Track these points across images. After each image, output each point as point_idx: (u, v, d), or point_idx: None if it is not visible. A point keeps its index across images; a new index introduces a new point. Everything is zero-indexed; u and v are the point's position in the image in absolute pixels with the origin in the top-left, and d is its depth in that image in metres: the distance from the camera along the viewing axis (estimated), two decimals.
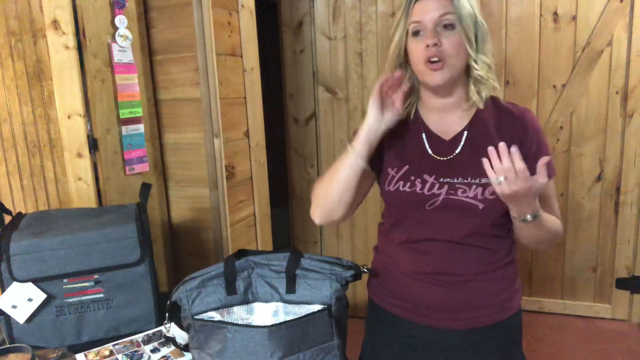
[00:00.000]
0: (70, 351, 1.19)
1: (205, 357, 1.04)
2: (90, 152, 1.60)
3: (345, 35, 2.53)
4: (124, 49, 1.63)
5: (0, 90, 1.68)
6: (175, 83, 1.75)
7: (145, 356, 1.15)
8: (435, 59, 0.99)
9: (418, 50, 1.01)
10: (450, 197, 1.00)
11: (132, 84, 1.66)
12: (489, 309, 1.05)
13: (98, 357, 1.16)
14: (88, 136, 1.59)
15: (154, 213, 1.77)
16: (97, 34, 1.56)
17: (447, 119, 1.08)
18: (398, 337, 1.12)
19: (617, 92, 2.34)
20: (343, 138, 2.63)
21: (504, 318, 1.07)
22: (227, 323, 1.01)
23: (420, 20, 1.00)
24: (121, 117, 1.64)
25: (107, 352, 1.17)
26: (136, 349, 1.19)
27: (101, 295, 1.24)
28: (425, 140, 1.08)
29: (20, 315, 1.17)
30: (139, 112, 1.69)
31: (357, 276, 1.07)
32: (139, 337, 1.24)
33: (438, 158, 1.05)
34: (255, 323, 1.02)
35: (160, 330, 1.25)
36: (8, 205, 1.66)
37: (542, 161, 0.89)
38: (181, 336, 1.13)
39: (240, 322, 1.02)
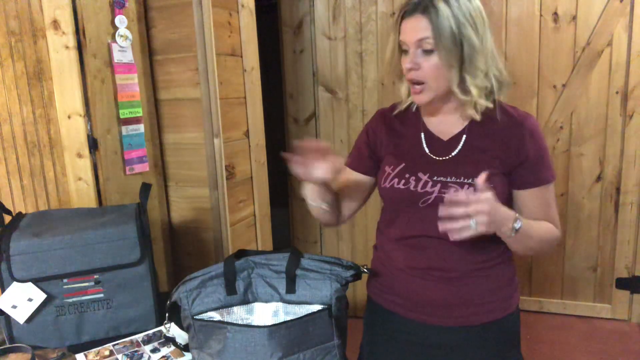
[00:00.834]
0: (70, 351, 1.19)
1: (205, 357, 1.04)
2: (90, 152, 1.60)
3: (345, 35, 2.53)
4: (124, 49, 1.63)
5: (0, 90, 1.68)
6: (175, 83, 1.75)
7: (145, 356, 1.15)
8: (415, 82, 1.01)
9: (403, 68, 1.03)
10: (443, 195, 1.00)
11: (132, 84, 1.66)
12: (483, 307, 1.06)
13: (98, 357, 1.16)
14: (88, 136, 1.59)
15: (154, 213, 1.77)
16: (97, 34, 1.56)
17: (447, 120, 1.08)
18: (394, 333, 1.13)
19: (617, 92, 2.34)
20: (343, 138, 2.63)
21: (499, 317, 1.07)
22: (226, 323, 1.01)
23: (404, 40, 1.01)
24: (121, 117, 1.64)
25: (107, 352, 1.17)
26: (136, 349, 1.19)
27: (101, 295, 1.24)
28: (423, 139, 1.09)
29: (20, 315, 1.17)
30: (139, 112, 1.69)
31: (357, 276, 1.08)
32: (139, 337, 1.24)
33: (435, 158, 1.06)
34: (255, 323, 1.02)
35: (160, 330, 1.25)
36: (8, 205, 1.65)
37: (480, 179, 0.89)
38: (181, 336, 1.13)
39: (240, 322, 1.02)
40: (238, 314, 1.03)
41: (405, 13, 1.00)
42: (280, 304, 1.04)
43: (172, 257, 1.88)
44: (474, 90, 1.00)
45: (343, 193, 1.19)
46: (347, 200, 1.20)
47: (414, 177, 1.05)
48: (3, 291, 1.18)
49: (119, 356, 1.16)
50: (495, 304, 1.07)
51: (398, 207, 1.09)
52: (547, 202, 1.06)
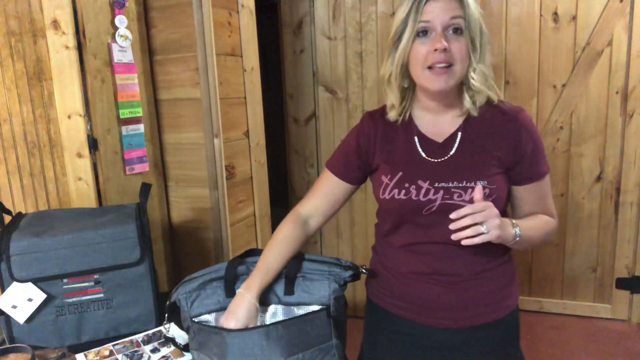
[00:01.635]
0: (70, 351, 1.19)
1: (204, 358, 1.04)
2: (90, 152, 1.60)
3: (345, 35, 2.53)
4: (124, 49, 1.63)
5: (0, 90, 1.68)
6: (175, 83, 1.75)
7: (145, 356, 1.15)
8: (442, 65, 0.96)
9: (422, 53, 0.97)
10: (447, 201, 0.99)
11: (132, 84, 1.66)
12: (487, 308, 1.06)
13: (98, 357, 1.16)
14: (88, 136, 1.59)
15: (154, 213, 1.77)
16: (97, 34, 1.56)
17: (440, 120, 1.07)
18: (397, 336, 1.12)
19: (617, 92, 2.34)
20: (343, 138, 2.62)
21: (502, 316, 1.07)
22: (222, 329, 1.00)
23: (430, 20, 0.96)
24: (121, 117, 1.64)
25: (107, 352, 1.17)
26: (136, 349, 1.19)
27: (101, 295, 1.24)
28: (417, 143, 1.06)
29: (20, 315, 1.17)
30: (139, 112, 1.69)
31: (355, 276, 1.08)
32: (139, 337, 1.24)
33: (431, 160, 1.04)
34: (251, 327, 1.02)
35: (160, 331, 1.25)
36: (8, 205, 1.66)
37: (477, 194, 0.92)
38: (181, 336, 1.13)
39: None
40: None
41: None
42: (279, 307, 1.04)
43: (172, 257, 1.88)
44: (481, 78, 1.00)
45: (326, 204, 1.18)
46: (329, 206, 1.17)
47: (414, 186, 1.02)
48: (3, 291, 1.18)
49: (119, 356, 1.16)
50: (498, 304, 1.07)
51: (400, 217, 1.06)
52: (544, 194, 1.07)
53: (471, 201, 0.97)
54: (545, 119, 2.45)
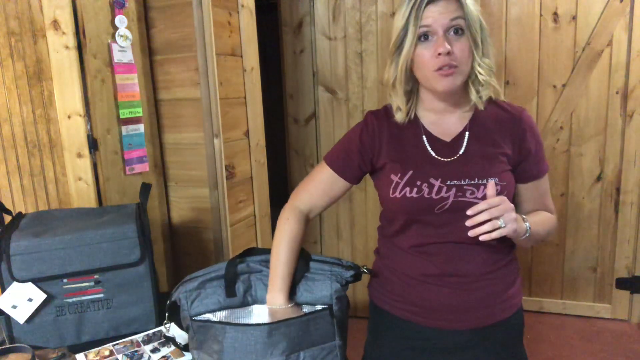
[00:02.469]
0: (70, 351, 1.19)
1: (205, 357, 1.04)
2: (90, 152, 1.60)
3: (345, 35, 2.53)
4: (124, 49, 1.63)
5: (0, 90, 1.68)
6: (175, 83, 1.75)
7: (145, 356, 1.15)
8: (447, 67, 0.96)
9: (426, 57, 0.98)
10: (459, 199, 0.99)
11: (132, 84, 1.66)
12: (495, 308, 1.06)
13: (98, 357, 1.16)
14: (88, 136, 1.59)
15: (154, 213, 1.77)
16: (97, 34, 1.56)
17: (446, 120, 1.07)
18: (406, 340, 1.11)
19: (617, 92, 2.34)
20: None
21: (508, 315, 1.07)
22: (225, 323, 1.00)
23: (430, 24, 0.96)
24: (121, 117, 1.63)
25: (107, 352, 1.17)
26: (136, 349, 1.19)
27: (101, 295, 1.24)
28: (426, 142, 1.06)
29: (20, 315, 1.17)
30: (139, 112, 1.69)
31: (357, 277, 1.07)
32: (139, 337, 1.24)
33: (442, 160, 1.04)
34: (254, 323, 1.02)
35: (160, 330, 1.25)
36: (8, 205, 1.65)
37: (489, 190, 0.92)
38: (181, 336, 1.13)
39: (239, 322, 1.02)
40: (237, 316, 1.03)
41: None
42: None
43: (172, 257, 1.87)
44: (488, 72, 1.01)
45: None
46: (323, 201, 1.17)
47: (426, 184, 1.01)
48: (3, 291, 1.18)
49: (119, 356, 1.16)
50: (505, 304, 1.07)
51: (411, 216, 1.05)
52: (544, 191, 1.10)
53: (484, 198, 0.97)
54: (545, 119, 2.45)
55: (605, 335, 2.40)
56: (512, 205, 0.93)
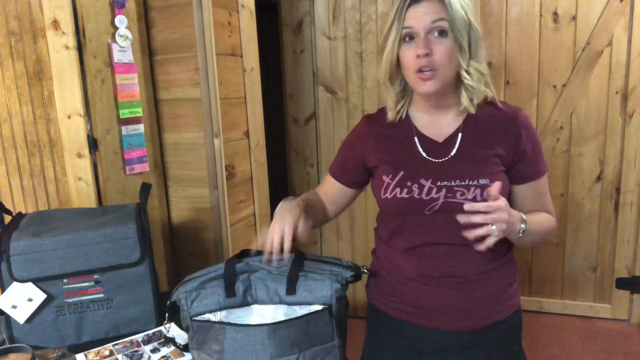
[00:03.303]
0: (70, 351, 1.19)
1: (205, 358, 1.04)
2: (90, 152, 1.60)
3: (345, 35, 2.53)
4: (124, 49, 1.63)
5: (0, 90, 1.68)
6: (175, 83, 1.75)
7: (145, 356, 1.15)
8: (426, 69, 0.97)
9: (408, 58, 0.99)
10: (450, 200, 0.99)
11: (132, 84, 1.66)
12: (494, 308, 1.06)
13: (98, 357, 1.16)
14: (88, 136, 1.59)
15: (154, 213, 1.77)
16: (97, 34, 1.56)
17: (439, 121, 1.07)
18: (404, 341, 1.11)
19: (617, 92, 2.34)
20: (343, 138, 2.61)
21: (506, 315, 1.07)
22: (225, 323, 1.00)
23: (411, 26, 0.97)
24: (121, 117, 1.64)
25: (107, 352, 1.17)
26: (136, 349, 1.19)
27: (101, 295, 1.24)
28: (417, 143, 1.06)
29: (20, 315, 1.17)
30: (139, 112, 1.69)
31: (357, 277, 1.07)
32: (139, 337, 1.24)
33: (433, 160, 1.04)
34: (254, 323, 1.02)
35: (160, 330, 1.25)
36: (8, 205, 1.66)
37: (493, 189, 0.89)
38: (181, 336, 1.13)
39: (239, 322, 1.02)
40: (237, 315, 1.03)
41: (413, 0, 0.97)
42: (280, 306, 1.04)
43: (172, 257, 1.88)
44: (477, 76, 1.00)
45: (330, 201, 1.22)
46: (333, 207, 1.21)
47: (416, 185, 1.02)
48: (3, 291, 1.18)
49: (119, 356, 1.16)
50: (503, 304, 1.07)
51: (403, 217, 1.06)
52: (543, 192, 1.07)
53: (474, 199, 0.97)
54: (545, 119, 2.45)
55: (605, 335, 2.40)
56: (506, 215, 0.89)
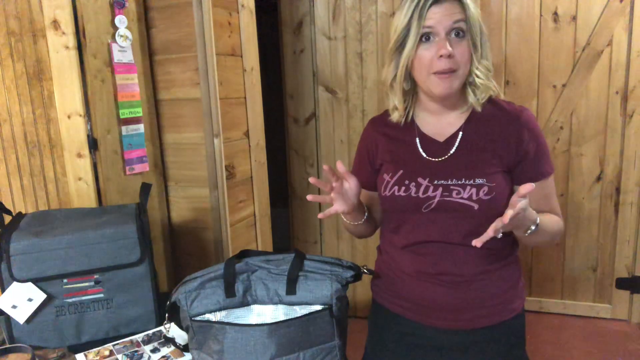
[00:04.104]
0: (70, 351, 1.19)
1: (205, 358, 1.04)
2: (90, 152, 1.60)
3: (345, 35, 2.53)
4: (124, 49, 1.63)
5: (0, 90, 1.68)
6: (175, 83, 1.75)
7: (145, 356, 1.15)
8: (448, 70, 0.97)
9: (426, 58, 0.98)
10: (445, 199, 1.00)
11: (132, 84, 1.66)
12: (492, 309, 1.05)
13: (98, 357, 1.16)
14: (88, 136, 1.59)
15: (154, 213, 1.77)
16: (97, 34, 1.56)
17: (442, 120, 1.07)
18: (402, 336, 1.12)
19: (617, 92, 2.34)
20: (343, 138, 2.63)
21: (507, 318, 1.07)
22: (225, 323, 1.01)
23: (433, 25, 0.96)
24: (121, 117, 1.64)
25: (107, 352, 1.17)
26: (136, 349, 1.19)
27: (101, 295, 1.24)
28: (418, 143, 1.08)
29: (20, 315, 1.17)
30: (139, 112, 1.69)
31: (357, 277, 1.08)
32: (139, 337, 1.24)
33: (432, 160, 1.05)
34: (254, 323, 1.02)
35: (160, 331, 1.25)
36: (8, 205, 1.66)
37: (525, 189, 0.84)
38: (181, 336, 1.13)
39: (238, 322, 1.02)
40: (237, 316, 1.03)
41: (434, 0, 0.96)
42: (280, 306, 1.04)
43: (172, 257, 1.88)
44: (486, 73, 1.00)
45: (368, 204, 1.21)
46: (373, 210, 1.21)
47: (413, 183, 1.04)
48: (3, 291, 1.18)
49: (119, 356, 1.16)
50: (502, 306, 1.07)
51: (401, 214, 1.08)
52: (549, 194, 1.06)
53: (470, 198, 0.98)
54: (545, 119, 2.45)
55: (605, 335, 2.40)
56: (523, 215, 0.87)
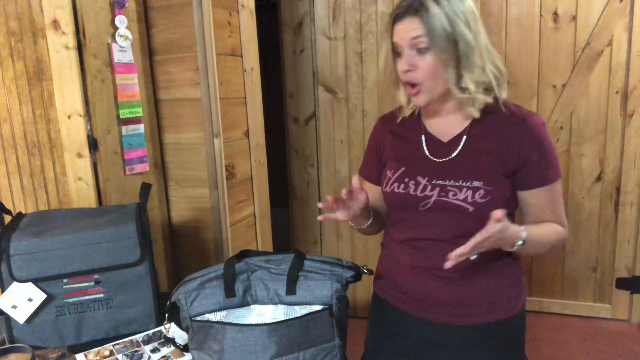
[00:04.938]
0: (70, 351, 1.19)
1: (205, 358, 1.04)
2: (90, 152, 1.60)
3: (345, 35, 2.53)
4: (124, 49, 1.63)
5: (0, 90, 1.68)
6: (175, 83, 1.75)
7: (145, 356, 1.15)
8: (411, 84, 1.01)
9: (398, 71, 1.03)
10: (442, 199, 1.02)
11: (132, 84, 1.66)
12: (487, 307, 1.06)
13: (98, 357, 1.16)
14: (88, 136, 1.59)
15: (154, 213, 1.77)
16: (97, 34, 1.56)
17: (448, 121, 1.08)
18: (399, 329, 1.14)
19: (617, 92, 2.34)
20: (343, 138, 2.63)
21: (503, 318, 1.07)
22: (225, 323, 1.01)
23: (397, 42, 1.01)
24: (121, 117, 1.64)
25: (107, 352, 1.17)
26: (136, 349, 1.19)
27: (101, 295, 1.24)
28: (423, 141, 1.09)
29: (20, 315, 1.17)
30: (139, 112, 1.69)
31: (357, 277, 1.08)
32: (139, 337, 1.24)
33: (434, 160, 1.06)
34: (254, 323, 1.02)
35: (160, 330, 1.25)
36: (8, 205, 1.66)
37: (496, 215, 0.85)
38: (181, 336, 1.13)
39: (238, 322, 1.02)
40: (237, 316, 1.03)
41: (397, 16, 1.00)
42: (280, 306, 1.04)
43: (172, 257, 1.88)
44: (472, 86, 0.99)
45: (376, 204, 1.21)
46: (382, 208, 1.21)
47: (413, 181, 1.06)
48: (3, 291, 1.18)
49: (119, 356, 1.16)
50: (499, 304, 1.07)
51: (400, 211, 1.11)
52: (553, 201, 1.05)
53: (465, 200, 0.99)
54: (545, 119, 2.45)
55: (605, 335, 2.40)
56: (500, 235, 0.87)
